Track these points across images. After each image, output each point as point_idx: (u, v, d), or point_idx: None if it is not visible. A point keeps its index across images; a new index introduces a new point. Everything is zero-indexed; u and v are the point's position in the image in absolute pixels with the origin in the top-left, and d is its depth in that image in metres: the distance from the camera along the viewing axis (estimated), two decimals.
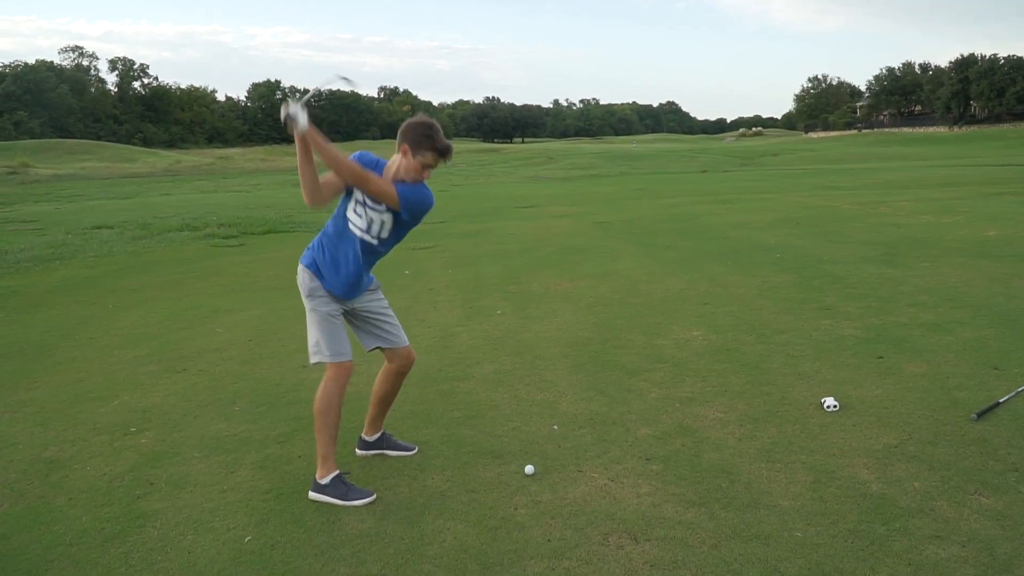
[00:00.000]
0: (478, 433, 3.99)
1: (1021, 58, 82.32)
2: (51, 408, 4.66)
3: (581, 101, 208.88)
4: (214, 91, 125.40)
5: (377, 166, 3.33)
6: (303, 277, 3.38)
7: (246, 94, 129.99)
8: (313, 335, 3.38)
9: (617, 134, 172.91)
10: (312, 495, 3.33)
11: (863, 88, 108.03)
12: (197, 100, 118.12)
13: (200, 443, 4.01)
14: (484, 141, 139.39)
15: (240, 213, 17.83)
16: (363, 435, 3.80)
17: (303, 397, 4.65)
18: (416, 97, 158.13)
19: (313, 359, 3.40)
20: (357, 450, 3.79)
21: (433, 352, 5.56)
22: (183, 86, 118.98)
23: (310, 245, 3.43)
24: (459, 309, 7.02)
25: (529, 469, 3.50)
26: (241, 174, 46.04)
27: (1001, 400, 4.01)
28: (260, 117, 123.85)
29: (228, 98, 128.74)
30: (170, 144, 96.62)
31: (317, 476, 3.35)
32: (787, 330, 5.71)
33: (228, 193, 28.19)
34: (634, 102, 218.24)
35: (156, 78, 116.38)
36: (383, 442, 3.81)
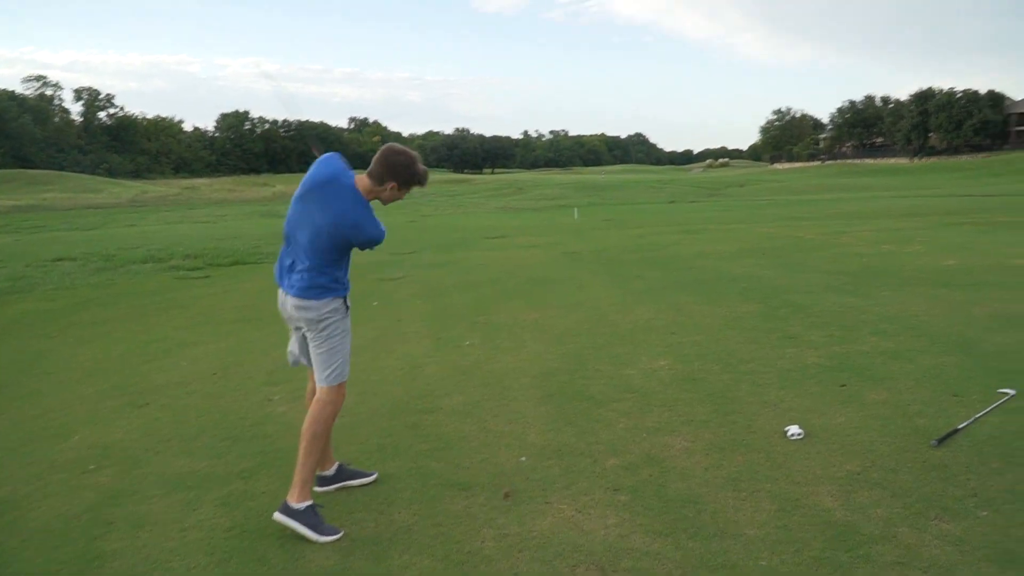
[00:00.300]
0: (446, 465, 3.97)
1: (977, 92, 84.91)
2: (6, 446, 4.56)
3: (551, 132, 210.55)
4: (181, 121, 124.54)
5: (345, 173, 3.39)
6: (314, 306, 3.37)
7: (214, 124, 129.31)
8: (336, 357, 3.43)
9: (586, 165, 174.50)
10: (278, 517, 3.27)
11: (826, 120, 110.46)
12: (164, 130, 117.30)
13: (161, 480, 3.94)
14: (454, 172, 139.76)
15: (206, 244, 17.67)
16: (319, 472, 3.73)
17: (268, 432, 4.60)
18: (386, 128, 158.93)
19: (335, 382, 3.44)
20: (316, 488, 3.71)
21: (401, 384, 5.53)
22: (150, 116, 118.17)
23: (303, 283, 3.39)
24: (427, 340, 7.00)
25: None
26: (208, 204, 45.74)
27: (960, 426, 4.08)
28: (228, 147, 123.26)
29: (196, 128, 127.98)
30: (136, 174, 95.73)
31: (291, 500, 3.29)
32: (752, 359, 5.76)
33: (194, 224, 27.96)
34: (603, 133, 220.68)
35: (122, 108, 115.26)
36: (342, 474, 3.78)
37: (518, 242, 16.71)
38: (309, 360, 3.55)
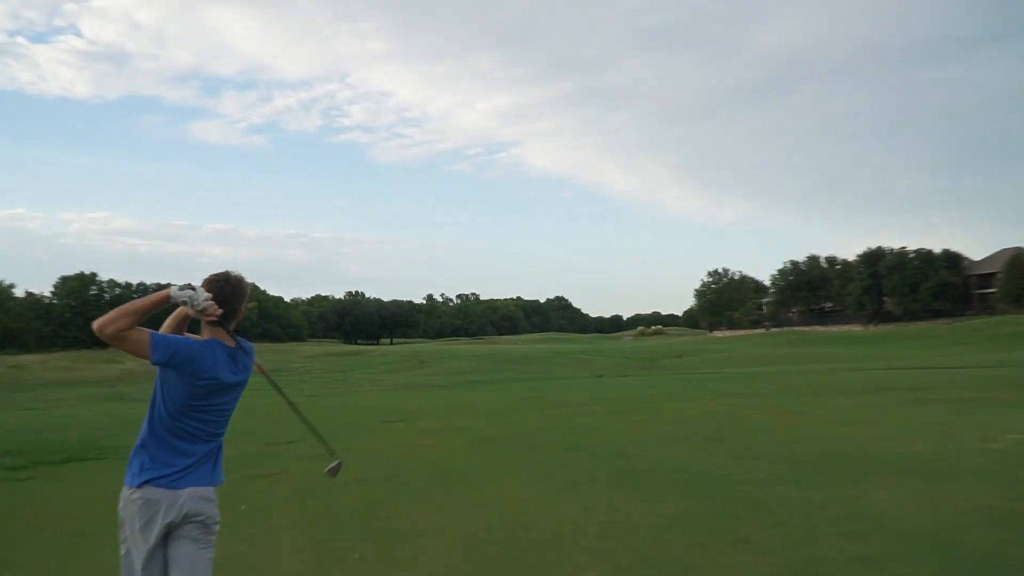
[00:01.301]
0: None
1: (931, 252, 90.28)
2: None
3: (458, 296, 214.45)
4: (12, 286, 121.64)
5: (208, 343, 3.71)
6: (215, 496, 3.65)
7: (52, 289, 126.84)
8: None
9: (500, 333, 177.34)
10: None
11: (768, 283, 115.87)
12: None
13: None
14: (345, 342, 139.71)
15: (33, 437, 16.90)
16: None
17: None
18: (264, 292, 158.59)
19: None
20: None
21: None
22: None
23: (213, 466, 3.67)
24: (306, 554, 6.74)
25: None
26: (39, 386, 44.20)
27: None
28: (68, 316, 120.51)
29: (29, 294, 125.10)
30: None
31: None
32: (699, 568, 5.72)
33: (20, 411, 26.84)
34: (518, 297, 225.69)
35: None
36: None
37: (421, 426, 16.55)
38: None
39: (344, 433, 15.74)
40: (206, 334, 3.67)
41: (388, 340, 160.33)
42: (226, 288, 3.71)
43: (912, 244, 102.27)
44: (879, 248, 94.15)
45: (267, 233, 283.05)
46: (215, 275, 3.76)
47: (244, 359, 3.72)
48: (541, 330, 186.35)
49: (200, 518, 3.52)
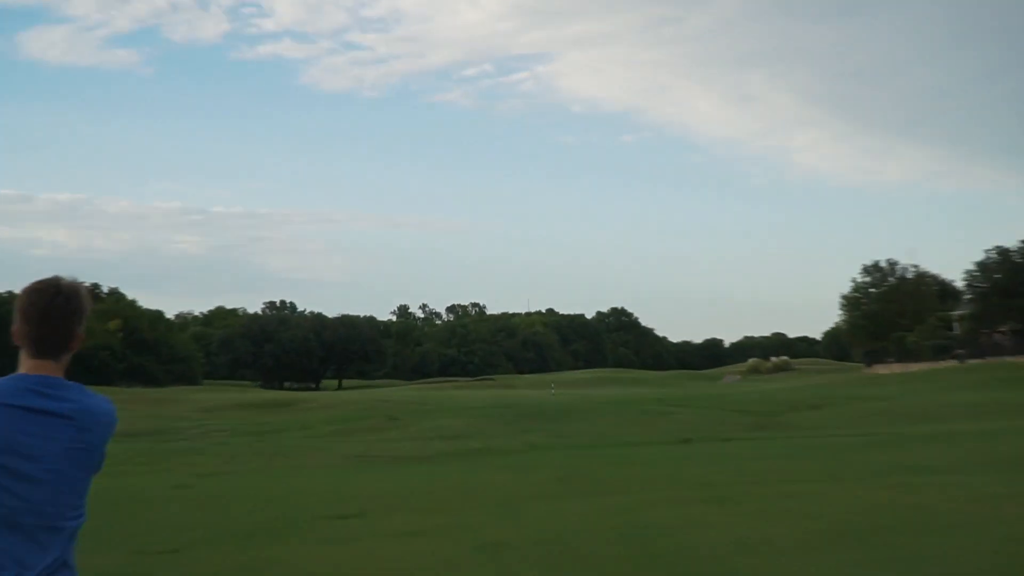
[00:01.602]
0: None
1: None
2: None
3: (451, 310, 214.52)
4: None
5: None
6: None
7: None
8: None
9: (520, 370, 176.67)
10: None
11: (961, 284, 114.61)
12: None
13: None
14: (264, 387, 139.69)
15: None
16: None
17: None
18: (134, 302, 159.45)
19: None
20: None
21: None
22: None
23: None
24: None
25: None
26: None
27: None
28: None
29: None
30: None
31: None
32: None
33: None
34: (549, 311, 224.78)
35: None
36: None
37: (388, 526, 16.52)
38: None
39: (263, 536, 15.74)
40: (21, 368, 3.63)
41: (335, 382, 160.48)
42: (57, 301, 3.64)
43: None
44: None
45: (138, 207, 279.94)
46: (39, 282, 3.70)
47: (69, 395, 3.65)
48: (588, 364, 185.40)
49: None
